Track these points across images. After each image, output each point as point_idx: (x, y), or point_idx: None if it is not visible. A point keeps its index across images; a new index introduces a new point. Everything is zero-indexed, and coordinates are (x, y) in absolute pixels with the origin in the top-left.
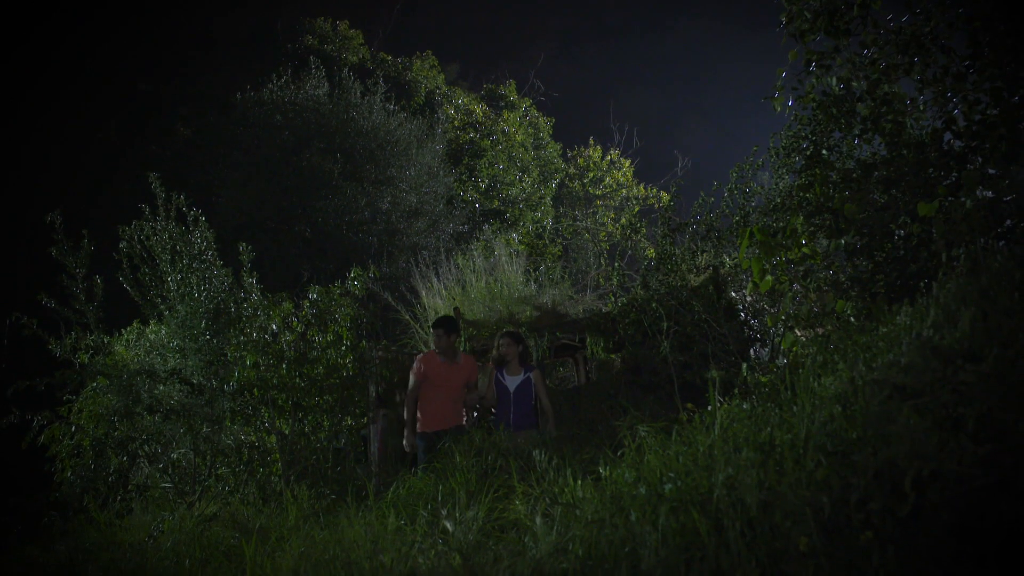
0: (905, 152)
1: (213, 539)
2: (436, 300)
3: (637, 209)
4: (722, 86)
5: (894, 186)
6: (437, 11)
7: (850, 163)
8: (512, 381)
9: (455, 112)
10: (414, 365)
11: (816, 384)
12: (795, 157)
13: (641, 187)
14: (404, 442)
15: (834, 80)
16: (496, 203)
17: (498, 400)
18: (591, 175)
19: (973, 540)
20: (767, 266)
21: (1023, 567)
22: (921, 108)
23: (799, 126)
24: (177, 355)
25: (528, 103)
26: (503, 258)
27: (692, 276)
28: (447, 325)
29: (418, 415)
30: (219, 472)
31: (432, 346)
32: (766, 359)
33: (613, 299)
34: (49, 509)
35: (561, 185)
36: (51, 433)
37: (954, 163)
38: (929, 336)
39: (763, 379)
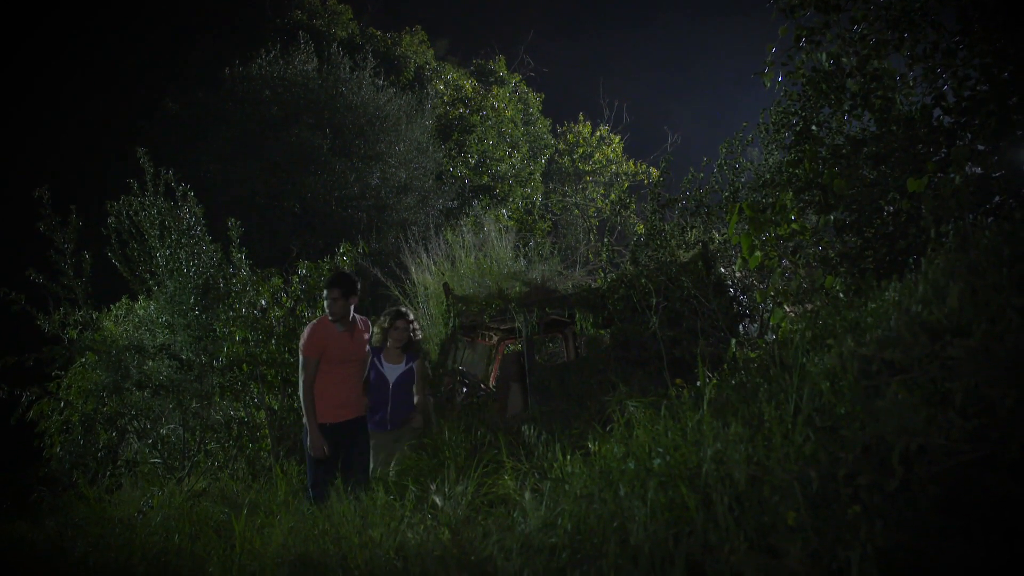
0: (894, 128)
1: (202, 514)
2: (425, 276)
3: (627, 185)
4: (712, 62)
5: (883, 162)
6: None
7: (839, 139)
8: (392, 370)
9: (444, 87)
10: (305, 336)
11: (805, 360)
12: (784, 133)
13: (631, 163)
14: (308, 444)
15: (824, 56)
16: (486, 179)
17: (371, 391)
18: (581, 151)
19: (960, 514)
20: (756, 242)
21: (1009, 541)
22: (911, 84)
23: (788, 102)
24: (166, 331)
25: (518, 79)
26: (492, 234)
27: (681, 252)
28: (344, 284)
29: (316, 400)
30: (208, 447)
31: (326, 311)
32: (755, 335)
33: (602, 275)
34: (38, 485)
35: (551, 161)
36: (40, 409)
37: (943, 139)
38: (917, 312)
39: (752, 355)
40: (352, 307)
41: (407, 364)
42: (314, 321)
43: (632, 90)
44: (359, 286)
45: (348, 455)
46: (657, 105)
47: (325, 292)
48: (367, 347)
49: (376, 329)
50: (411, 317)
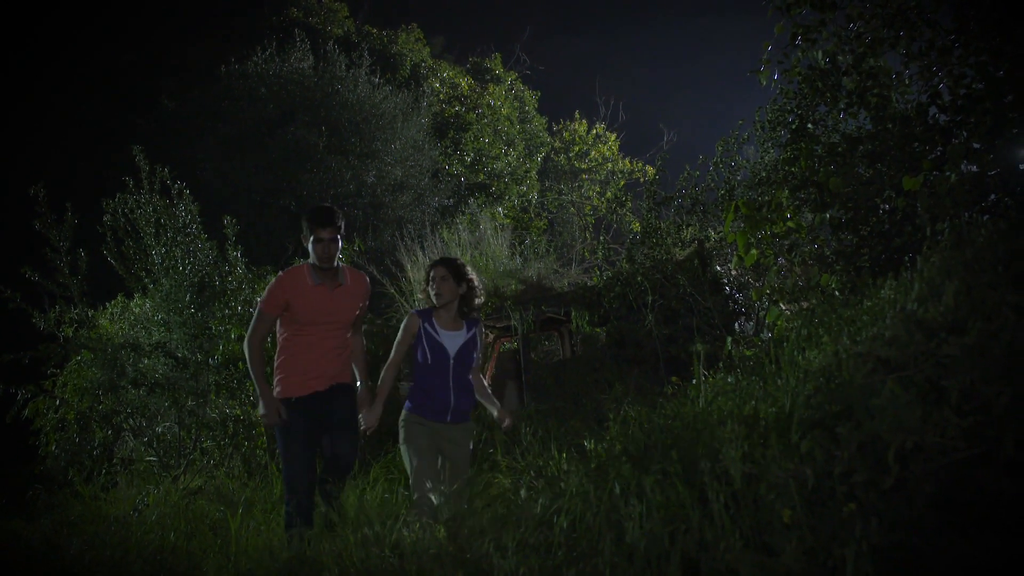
0: (890, 126)
1: (198, 512)
2: (421, 274)
3: (623, 183)
4: (708, 60)
5: (879, 160)
6: None
7: (835, 137)
8: (451, 339)
9: (440, 85)
10: (268, 289)
11: (800, 357)
12: (780, 131)
13: (627, 161)
14: (260, 411)
15: (820, 54)
16: (481, 177)
17: (425, 367)
18: (577, 149)
19: (956, 512)
20: (752, 240)
21: (1005, 538)
22: (907, 82)
23: (785, 100)
24: (162, 328)
25: (514, 77)
26: (488, 232)
27: (677, 250)
28: (323, 218)
29: (278, 372)
30: (204, 445)
31: (312, 257)
32: (751, 333)
33: (598, 273)
34: (33, 482)
35: (547, 159)
36: (36, 407)
37: (939, 137)
38: (913, 309)
39: (748, 352)
40: (336, 252)
41: (468, 332)
42: (283, 271)
43: (628, 88)
44: (342, 225)
45: (328, 422)
46: (653, 103)
47: (310, 234)
48: (356, 310)
49: (421, 292)
50: (464, 266)
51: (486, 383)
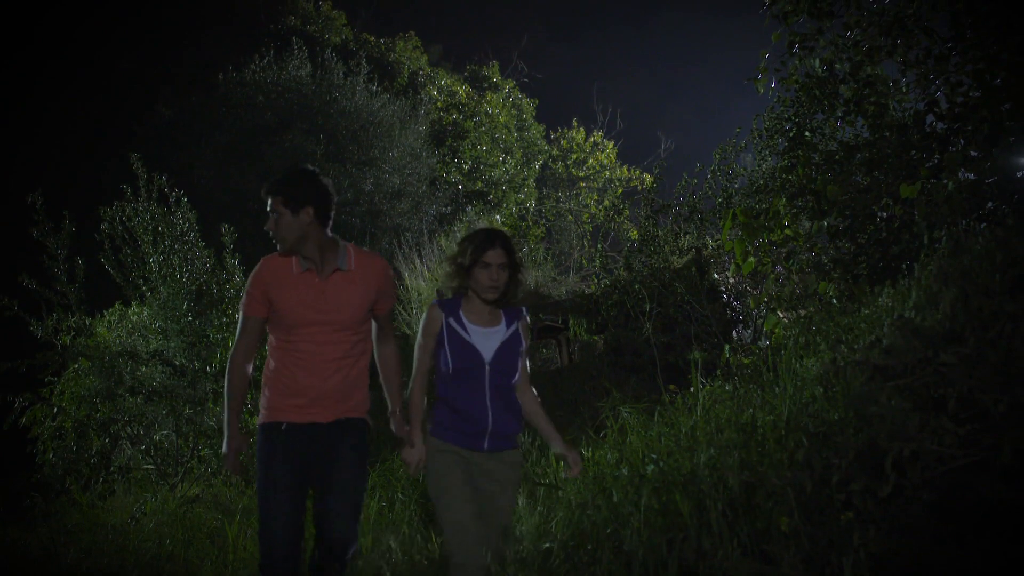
0: (888, 134)
1: (196, 520)
2: (419, 281)
3: (620, 191)
4: (706, 68)
5: (876, 168)
6: None
7: (833, 145)
8: (485, 338)
9: (438, 93)
10: (248, 284)
11: (798, 365)
12: (778, 139)
13: (624, 169)
14: (224, 447)
15: (817, 62)
16: (479, 184)
17: (451, 377)
18: (574, 157)
19: (953, 519)
20: (750, 248)
21: (1002, 545)
22: (904, 90)
23: (782, 108)
24: (159, 336)
25: (511, 84)
26: None
27: (675, 258)
28: (289, 185)
29: (263, 390)
30: (201, 453)
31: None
32: (748, 340)
33: (596, 280)
34: (31, 491)
35: (544, 167)
36: (33, 415)
37: (936, 145)
38: (911, 318)
39: (745, 361)
40: (325, 229)
41: (510, 327)
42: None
43: (626, 96)
44: (326, 195)
45: (323, 483)
46: (651, 111)
47: (267, 200)
48: (364, 305)
49: (447, 268)
50: (508, 242)
51: (535, 400)
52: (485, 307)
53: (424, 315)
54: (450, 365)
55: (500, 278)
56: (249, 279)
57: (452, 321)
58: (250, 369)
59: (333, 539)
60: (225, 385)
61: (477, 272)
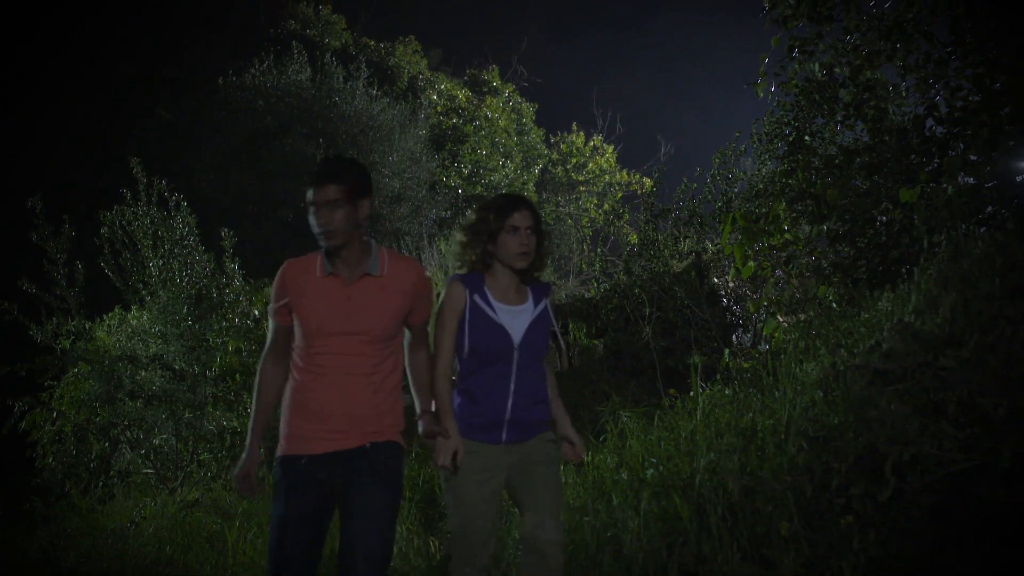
0: (887, 138)
1: (195, 524)
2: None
3: (620, 195)
4: (705, 72)
5: (876, 172)
6: None
7: (832, 149)
8: (513, 317)
9: (438, 97)
10: (272, 289)
11: (798, 370)
12: (778, 143)
13: (624, 173)
14: (236, 471)
15: (817, 66)
16: (479, 189)
17: (473, 362)
18: (574, 161)
19: (953, 523)
20: (749, 252)
21: (1002, 549)
22: (903, 94)
23: (782, 112)
24: (159, 341)
25: (511, 89)
26: None
27: (675, 262)
28: (319, 173)
29: (283, 415)
30: (201, 458)
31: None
32: (748, 345)
33: (596, 285)
34: (31, 495)
35: (544, 171)
36: (33, 419)
37: (936, 149)
38: (910, 322)
39: (745, 365)
40: (362, 225)
41: (538, 304)
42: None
43: (625, 100)
44: (364, 177)
45: (350, 516)
46: (650, 115)
47: (311, 194)
48: (397, 315)
49: (459, 237)
50: (535, 209)
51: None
52: (511, 283)
53: (443, 292)
54: (471, 349)
55: (531, 242)
56: (274, 284)
57: (477, 298)
58: (282, 379)
59: (358, 569)
60: (254, 397)
61: (504, 238)
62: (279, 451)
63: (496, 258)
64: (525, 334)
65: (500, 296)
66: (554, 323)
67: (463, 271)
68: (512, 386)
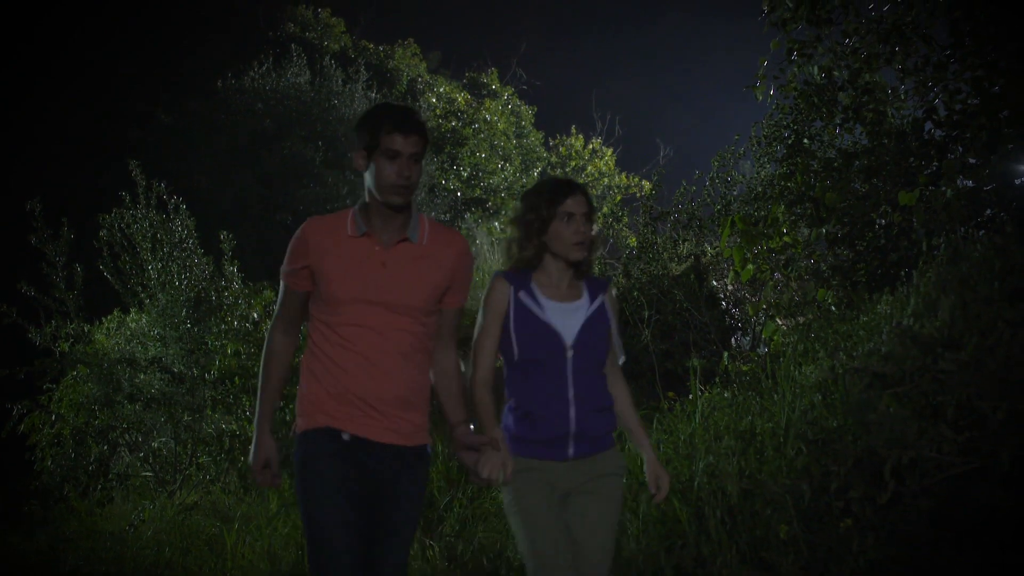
0: (886, 141)
1: (194, 528)
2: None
3: (619, 198)
4: (705, 75)
5: (875, 175)
6: None
7: (831, 152)
8: (565, 316)
9: (437, 100)
10: (288, 250)
11: (797, 373)
12: (777, 146)
13: (623, 176)
14: (252, 460)
15: (816, 69)
16: (478, 191)
17: (523, 369)
18: (573, 164)
19: (951, 526)
20: (748, 255)
21: (1000, 552)
22: (902, 97)
23: (781, 115)
24: (158, 344)
25: (510, 92)
26: (485, 247)
27: (673, 265)
28: (399, 118)
29: (299, 388)
30: (200, 461)
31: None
32: (747, 348)
33: None
34: (29, 498)
35: (543, 174)
36: (31, 422)
37: (935, 152)
38: (909, 325)
39: (744, 368)
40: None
41: (594, 301)
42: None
43: (624, 103)
44: (420, 121)
45: (380, 518)
46: (650, 117)
47: (397, 141)
48: (435, 289)
49: (511, 232)
50: (589, 197)
51: (626, 393)
52: (563, 277)
53: (486, 290)
54: (519, 354)
55: (587, 231)
56: (290, 244)
57: (523, 295)
58: (292, 350)
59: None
60: (259, 373)
61: (557, 227)
62: (300, 426)
63: (548, 250)
64: (579, 334)
65: (550, 292)
66: (612, 322)
67: (519, 264)
68: (571, 393)
